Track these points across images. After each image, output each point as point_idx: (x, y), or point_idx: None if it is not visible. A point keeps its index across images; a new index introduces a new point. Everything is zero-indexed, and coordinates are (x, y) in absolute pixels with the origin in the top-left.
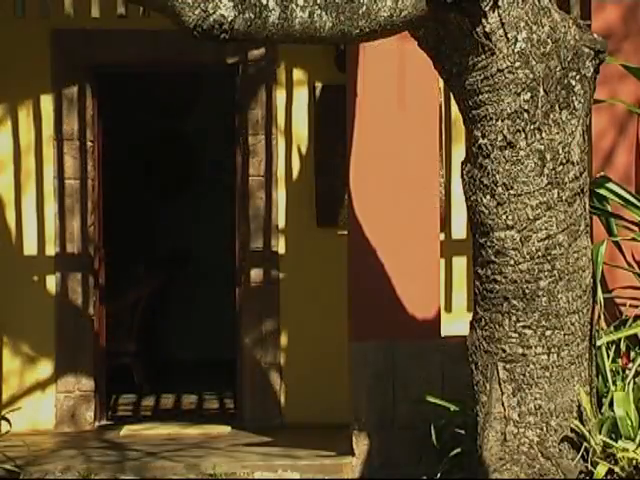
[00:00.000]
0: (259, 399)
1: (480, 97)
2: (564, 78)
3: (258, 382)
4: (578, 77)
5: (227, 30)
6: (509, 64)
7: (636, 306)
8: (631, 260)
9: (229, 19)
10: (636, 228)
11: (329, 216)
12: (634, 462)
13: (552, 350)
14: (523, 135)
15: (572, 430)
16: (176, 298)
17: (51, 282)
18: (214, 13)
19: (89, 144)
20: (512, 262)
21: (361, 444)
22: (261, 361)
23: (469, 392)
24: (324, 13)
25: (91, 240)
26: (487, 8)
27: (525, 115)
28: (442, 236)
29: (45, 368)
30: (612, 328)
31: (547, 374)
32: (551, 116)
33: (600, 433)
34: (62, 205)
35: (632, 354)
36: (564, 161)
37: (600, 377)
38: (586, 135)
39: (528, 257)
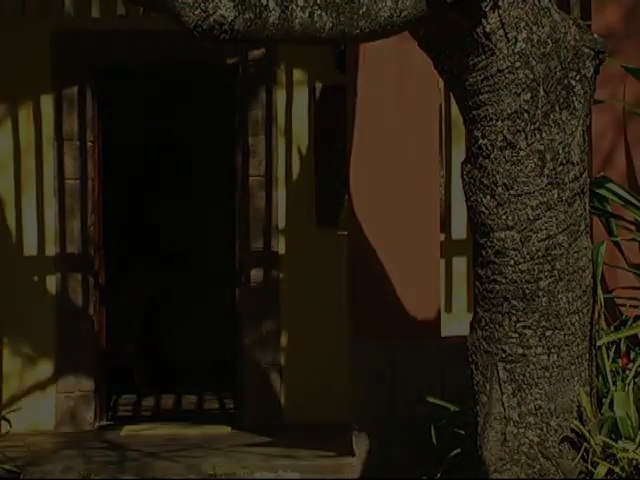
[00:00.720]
0: (259, 399)
1: (480, 97)
2: (564, 78)
3: (258, 382)
4: (578, 77)
5: (227, 30)
6: (509, 64)
7: (636, 306)
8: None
9: (229, 19)
10: (635, 228)
11: (329, 216)
12: (634, 462)
13: (552, 350)
14: (523, 135)
15: (572, 430)
16: (176, 298)
17: (51, 282)
18: (214, 13)
19: (89, 144)
20: (512, 262)
21: (361, 444)
22: (261, 361)
23: (469, 392)
24: (324, 13)
25: (91, 240)
26: (487, 8)
27: (525, 115)
28: (442, 236)
29: (45, 368)
30: (612, 328)
31: (547, 374)
32: (551, 116)
33: (600, 433)
34: (62, 205)
35: (632, 354)
36: (564, 161)
37: (600, 377)
38: (586, 135)
39: (528, 257)
